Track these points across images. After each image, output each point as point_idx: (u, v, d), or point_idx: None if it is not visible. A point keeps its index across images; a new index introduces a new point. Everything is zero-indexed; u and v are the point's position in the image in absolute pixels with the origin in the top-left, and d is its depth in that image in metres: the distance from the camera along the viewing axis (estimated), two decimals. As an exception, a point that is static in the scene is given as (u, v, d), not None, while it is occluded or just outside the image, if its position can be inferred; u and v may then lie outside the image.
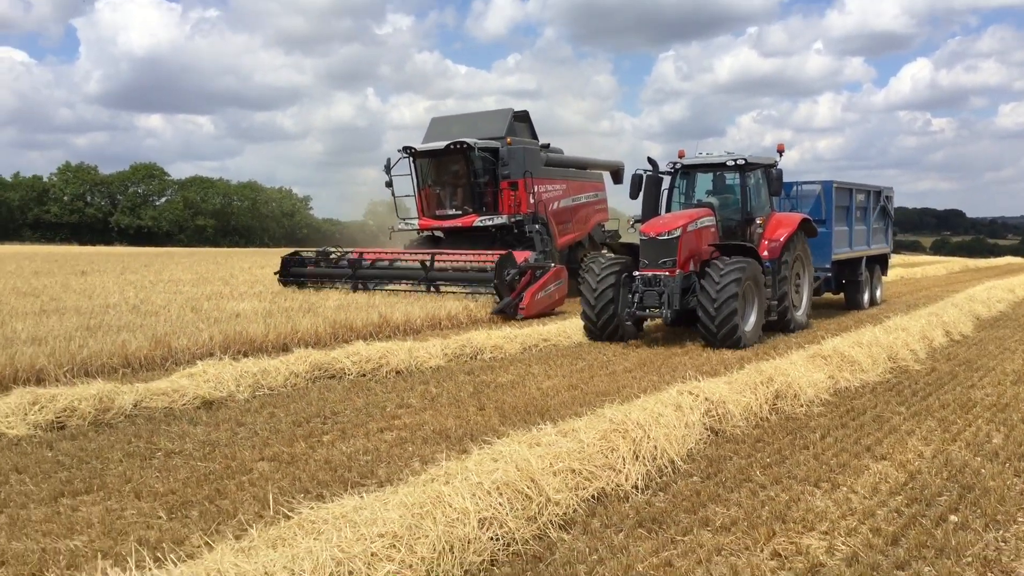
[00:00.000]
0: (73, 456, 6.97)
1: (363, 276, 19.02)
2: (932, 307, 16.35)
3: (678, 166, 14.93)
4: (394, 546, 4.33)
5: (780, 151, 15.30)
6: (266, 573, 3.74)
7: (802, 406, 8.60)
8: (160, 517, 5.56)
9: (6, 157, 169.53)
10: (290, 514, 4.97)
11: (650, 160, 15.05)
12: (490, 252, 17.70)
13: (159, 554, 4.64)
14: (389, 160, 20.69)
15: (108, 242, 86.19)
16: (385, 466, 6.70)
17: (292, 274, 20.25)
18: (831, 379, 9.57)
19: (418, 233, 21.42)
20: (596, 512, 5.65)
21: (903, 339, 11.82)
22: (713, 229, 13.92)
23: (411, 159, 20.64)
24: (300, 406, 8.93)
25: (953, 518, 5.58)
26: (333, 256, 20.29)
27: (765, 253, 14.11)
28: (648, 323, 14.71)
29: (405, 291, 17.95)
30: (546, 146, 22.32)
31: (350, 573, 4.04)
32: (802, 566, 4.82)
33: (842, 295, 19.35)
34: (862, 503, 5.87)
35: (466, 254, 18.23)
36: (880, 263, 20.64)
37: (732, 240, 14.05)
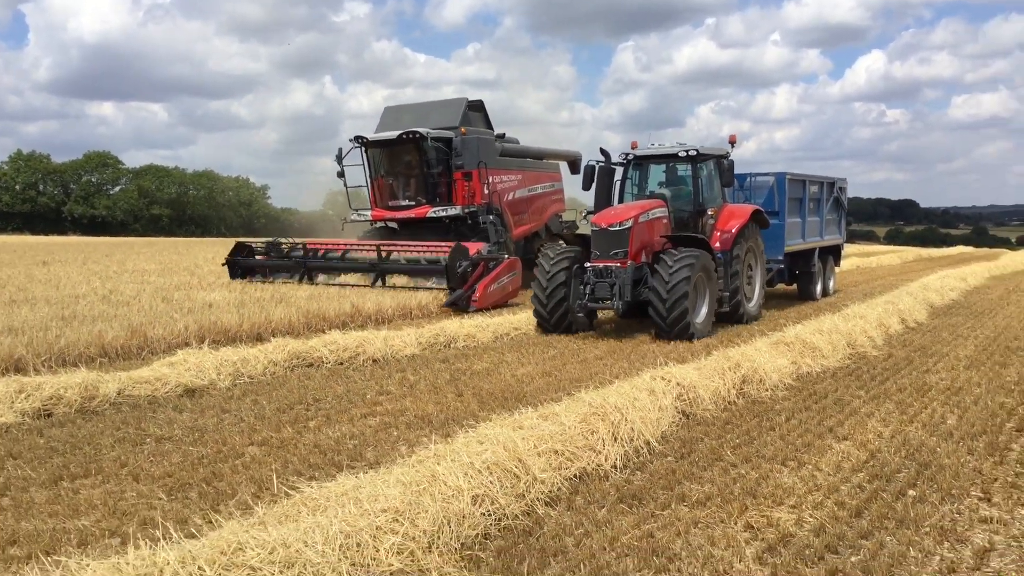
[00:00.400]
0: (65, 442, 7.12)
1: (313, 268, 18.64)
2: (888, 295, 16.93)
3: (630, 157, 14.93)
4: (397, 520, 4.59)
5: (732, 142, 15.30)
6: (284, 544, 3.98)
7: (767, 390, 9.01)
8: (160, 498, 5.77)
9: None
10: (291, 493, 5.21)
11: (602, 151, 15.07)
12: (442, 244, 17.41)
13: (165, 532, 4.85)
14: (341, 150, 20.40)
15: (62, 232, 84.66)
16: (372, 450, 6.95)
17: (240, 265, 19.81)
18: (794, 364, 10.01)
19: (371, 224, 21.03)
20: (579, 490, 5.97)
21: (861, 326, 12.32)
22: (665, 220, 13.87)
23: (363, 149, 20.28)
24: (282, 393, 9.13)
25: (912, 492, 5.98)
26: (284, 247, 19.87)
27: (717, 244, 14.16)
28: (600, 315, 14.56)
29: (353, 285, 17.49)
30: (501, 136, 22.09)
31: (358, 544, 4.30)
32: (774, 536, 5.17)
33: (795, 286, 19.41)
34: (827, 480, 6.26)
35: (418, 246, 17.90)
36: (833, 254, 20.69)
37: (685, 232, 14.01)
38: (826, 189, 19.82)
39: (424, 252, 17.56)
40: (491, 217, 19.59)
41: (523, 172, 22.32)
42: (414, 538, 4.53)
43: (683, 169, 14.88)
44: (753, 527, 5.33)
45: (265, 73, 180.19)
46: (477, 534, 5.02)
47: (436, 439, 6.91)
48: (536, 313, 13.59)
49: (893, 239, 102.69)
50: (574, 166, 25.85)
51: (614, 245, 12.91)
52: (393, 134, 19.60)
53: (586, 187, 14.93)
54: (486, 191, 19.90)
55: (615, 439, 6.65)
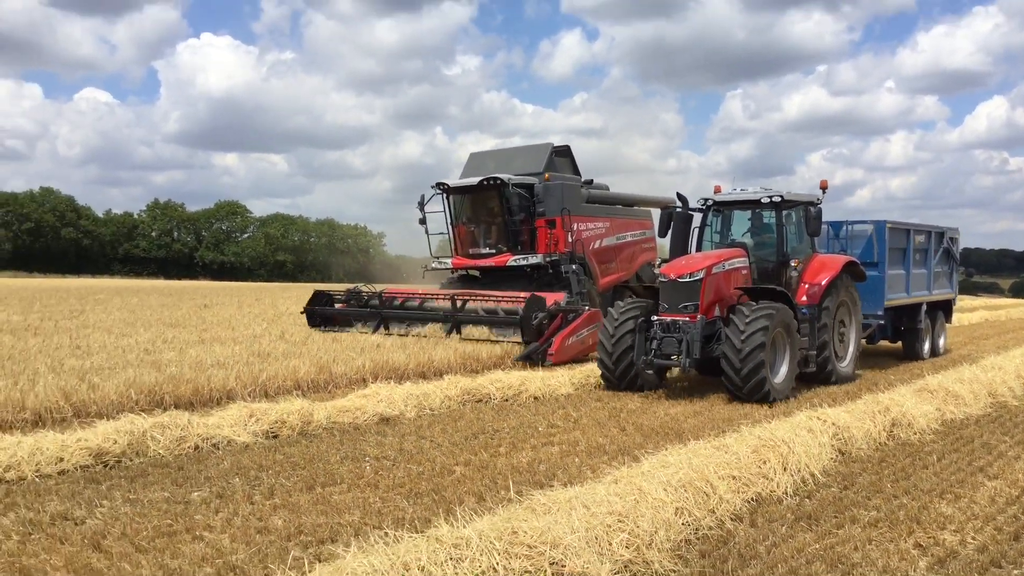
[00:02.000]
0: (300, 458, 8.37)
1: (388, 317, 18.23)
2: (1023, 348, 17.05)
3: (709, 203, 14.17)
4: (622, 522, 5.56)
5: (823, 188, 14.40)
6: (548, 529, 5.00)
7: (915, 434, 9.63)
8: (401, 503, 6.89)
9: (90, 193, 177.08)
10: (520, 499, 6.24)
11: (679, 196, 14.46)
12: (519, 294, 16.67)
13: (423, 527, 5.92)
14: (423, 196, 19.90)
15: (193, 276, 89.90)
16: (561, 472, 7.93)
17: (319, 314, 19.44)
18: (938, 411, 10.57)
19: (452, 272, 20.46)
20: (757, 511, 6.81)
21: (1000, 377, 12.72)
22: (745, 271, 13.07)
23: (444, 195, 19.77)
24: (463, 424, 10.25)
25: (1065, 523, 6.59)
26: (364, 294, 19.39)
27: (804, 298, 13.33)
28: (672, 372, 13.76)
29: (427, 336, 16.95)
30: (589, 182, 21.22)
31: (596, 538, 5.27)
32: (941, 552, 5.91)
33: (900, 344, 18.08)
34: (983, 510, 6.92)
35: (495, 295, 17.29)
36: (943, 310, 19.17)
37: (768, 284, 13.12)
38: (934, 239, 18.43)
39: (501, 302, 16.87)
40: (574, 266, 18.66)
41: (611, 219, 21.37)
42: (638, 536, 5.48)
43: (768, 216, 14.00)
44: (921, 546, 6.07)
45: (379, 124, 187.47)
46: (681, 539, 5.94)
47: (615, 465, 7.84)
48: (601, 366, 12.86)
49: (1019, 292, 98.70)
50: None
51: (684, 298, 12.17)
52: (474, 180, 19.19)
53: (662, 234, 14.44)
54: (570, 239, 19.17)
55: (784, 469, 7.47)
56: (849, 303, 14.22)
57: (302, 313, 19.97)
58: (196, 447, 8.60)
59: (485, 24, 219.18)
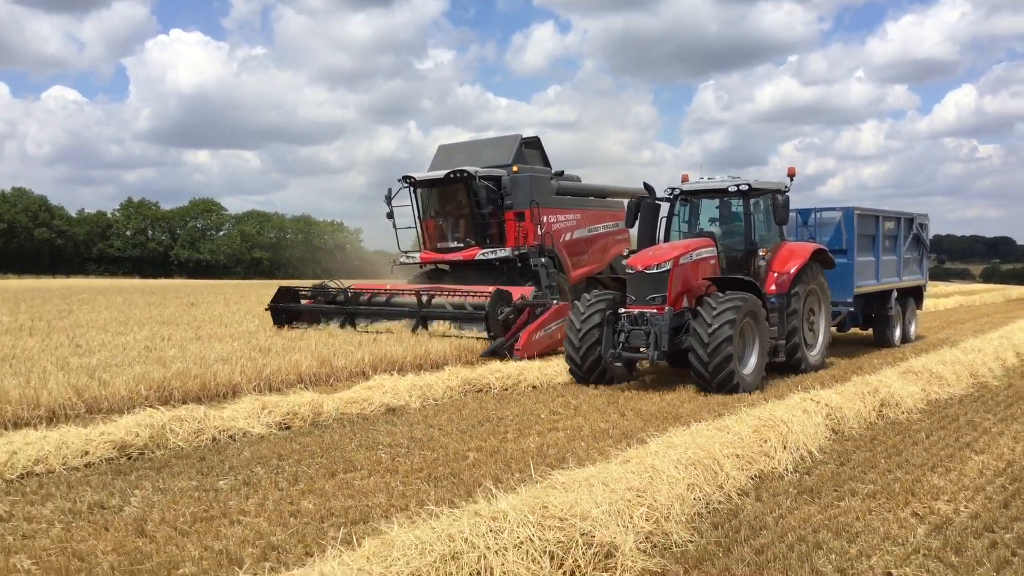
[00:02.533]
0: (316, 447, 8.64)
1: (354, 313, 17.84)
2: (1000, 331, 17.64)
3: (677, 192, 13.93)
4: (640, 497, 5.90)
5: (791, 175, 14.23)
6: (576, 502, 5.33)
7: (903, 413, 10.07)
8: (422, 486, 7.19)
9: (60, 192, 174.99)
10: (540, 479, 6.56)
11: (646, 185, 14.26)
12: (485, 289, 16.25)
13: (449, 506, 6.23)
14: (390, 190, 19.66)
15: (168, 275, 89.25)
16: (570, 455, 8.25)
17: (284, 311, 18.81)
18: (924, 391, 11.02)
19: (421, 267, 20.16)
20: (762, 486, 7.18)
21: (980, 359, 13.23)
22: (713, 261, 12.89)
23: (411, 188, 19.52)
24: (467, 412, 10.56)
25: (1049, 491, 7.03)
26: (331, 290, 18.83)
27: (772, 287, 13.14)
28: (642, 365, 13.26)
29: (392, 332, 16.50)
30: (559, 174, 20.81)
31: (618, 511, 5.60)
32: (937, 520, 6.31)
33: (871, 331, 17.99)
34: (972, 482, 7.34)
35: (461, 290, 16.90)
36: (914, 296, 19.08)
37: (737, 274, 13.00)
38: (903, 225, 18.26)
39: (468, 297, 16.54)
40: (543, 260, 18.46)
41: (583, 211, 21.21)
42: (656, 509, 5.83)
43: (736, 205, 13.84)
44: (918, 514, 6.47)
45: (353, 119, 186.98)
46: (694, 512, 6.29)
47: (622, 448, 8.19)
48: (569, 361, 12.69)
49: (989, 277, 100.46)
50: None
51: (651, 289, 12.00)
52: (440, 173, 18.95)
53: (629, 224, 14.47)
54: (539, 232, 18.98)
55: (784, 447, 7.85)
56: (818, 291, 14.10)
57: (266, 310, 19.27)
58: (214, 439, 8.85)
59: (457, 18, 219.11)
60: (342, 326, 17.66)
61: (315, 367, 12.70)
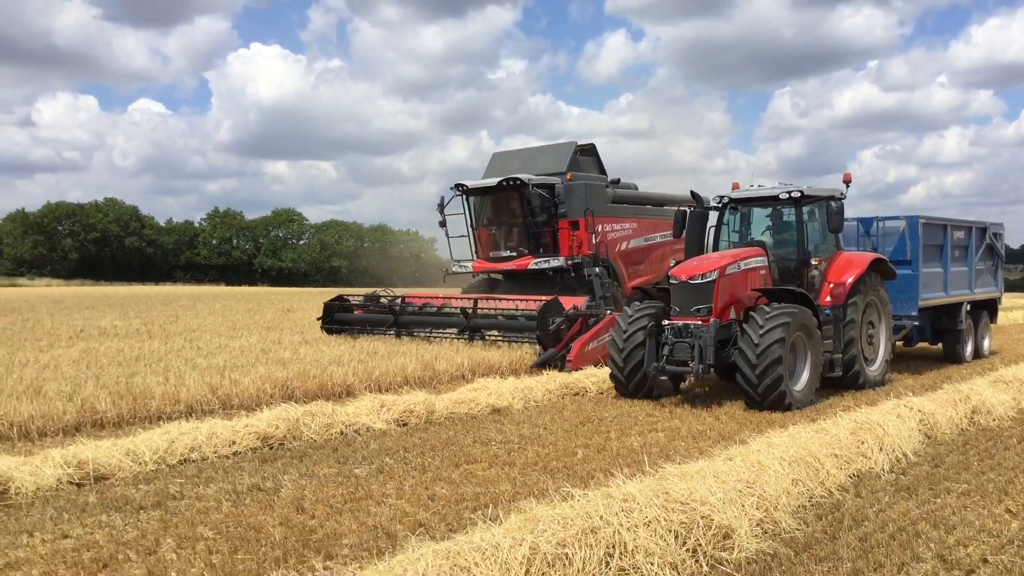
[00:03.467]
0: (436, 442, 9.37)
1: (405, 323, 17.85)
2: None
3: (725, 200, 13.53)
4: (750, 488, 6.44)
5: (847, 181, 13.68)
6: (693, 490, 5.92)
7: (994, 420, 10.35)
8: (541, 477, 7.84)
9: (145, 202, 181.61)
10: (652, 472, 7.14)
11: (693, 194, 13.92)
12: (538, 298, 16.03)
13: (559, 495, 6.86)
14: (443, 198, 19.48)
15: (252, 282, 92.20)
16: (673, 453, 8.81)
17: (336, 320, 19.08)
18: (1015, 400, 11.25)
19: (473, 276, 20.00)
20: (860, 484, 7.63)
21: (1072, 370, 13.29)
22: (763, 272, 12.46)
23: (464, 196, 19.33)
24: (568, 414, 11.18)
25: None
26: (383, 300, 18.95)
27: (828, 298, 12.69)
28: (686, 379, 12.84)
29: (449, 338, 16.81)
30: (616, 182, 20.66)
31: (730, 500, 6.16)
32: (1032, 517, 6.69)
33: (940, 345, 17.12)
34: (1066, 485, 7.67)
35: (513, 300, 16.77)
36: (988, 309, 18.06)
37: (790, 284, 12.58)
38: (975, 235, 17.36)
39: (521, 306, 16.32)
40: (597, 269, 17.99)
41: (639, 220, 20.78)
42: (766, 499, 6.36)
43: (788, 213, 13.25)
44: (1012, 512, 6.86)
45: (425, 130, 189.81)
46: (799, 504, 6.81)
47: (730, 445, 8.70)
48: (612, 376, 12.39)
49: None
50: None
51: (695, 300, 11.61)
52: (493, 181, 18.76)
53: (677, 234, 13.84)
54: (594, 241, 18.65)
55: (880, 449, 8.28)
56: (878, 303, 13.54)
57: (318, 320, 19.57)
58: (341, 432, 9.66)
59: (530, 27, 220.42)
60: (398, 336, 17.63)
61: (419, 370, 13.49)
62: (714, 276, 11.60)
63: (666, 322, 11.78)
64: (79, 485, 7.43)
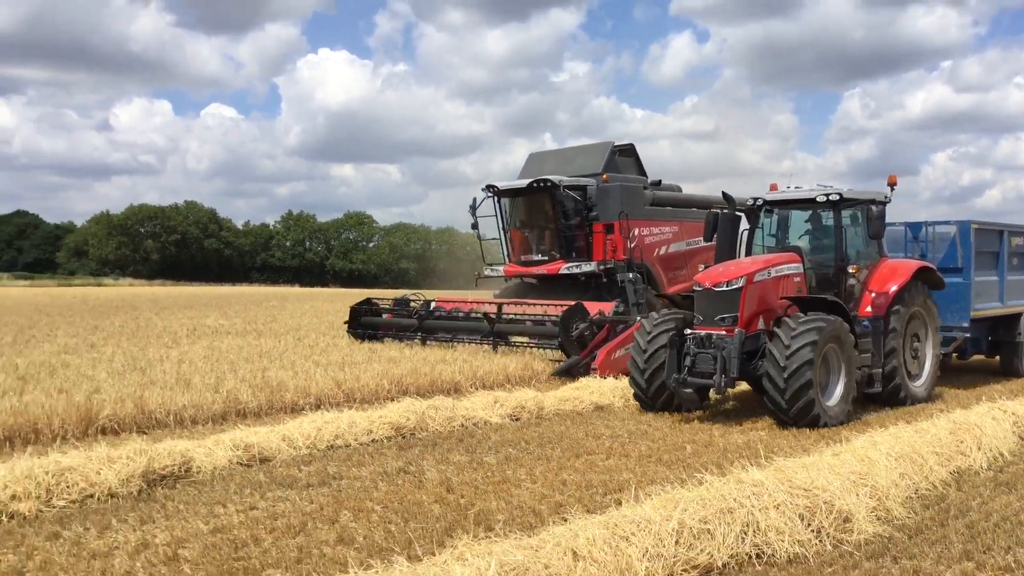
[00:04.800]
0: (550, 435, 10.12)
1: (430, 328, 17.43)
2: None
3: (759, 202, 12.87)
4: (863, 479, 7.04)
5: (891, 184, 12.89)
6: (814, 479, 6.55)
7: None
8: (658, 468, 8.52)
9: (217, 205, 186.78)
10: (767, 464, 7.77)
11: (725, 195, 13.41)
12: (563, 303, 15.68)
13: (680, 481, 7.52)
14: (475, 199, 18.91)
15: (324, 284, 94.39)
16: (777, 449, 9.33)
17: (363, 324, 18.76)
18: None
19: (506, 280, 19.45)
20: (961, 479, 8.15)
21: None
22: (797, 279, 11.76)
23: (495, 198, 18.77)
24: (667, 412, 11.80)
25: None
26: (413, 304, 18.65)
27: (868, 309, 12.07)
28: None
29: (470, 343, 16.45)
30: (657, 183, 19.79)
31: (846, 489, 6.76)
32: None
33: (998, 358, 16.25)
34: None
35: (541, 305, 16.38)
36: None
37: (828, 293, 11.90)
38: None
39: (550, 311, 15.85)
40: (630, 275, 16.91)
41: (680, 223, 19.59)
42: (878, 489, 6.96)
43: (827, 217, 12.54)
44: (1111, 506, 7.33)
45: (489, 133, 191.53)
46: (906, 496, 7.37)
47: (832, 443, 9.25)
48: (634, 387, 11.83)
49: None
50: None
51: (720, 309, 11.03)
52: (523, 182, 18.28)
53: (708, 238, 13.21)
54: (629, 245, 17.80)
55: (979, 448, 8.78)
56: (924, 314, 12.81)
57: (345, 323, 19.33)
58: (462, 424, 10.48)
59: (594, 30, 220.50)
60: (423, 343, 17.10)
61: (520, 369, 14.25)
62: (740, 283, 11.01)
63: (688, 331, 11.25)
64: (247, 465, 8.37)
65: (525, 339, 15.88)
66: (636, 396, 11.83)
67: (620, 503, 6.81)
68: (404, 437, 9.85)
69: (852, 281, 12.23)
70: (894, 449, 8.01)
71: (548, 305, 16.05)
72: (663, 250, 19.13)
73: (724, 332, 10.82)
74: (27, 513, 6.63)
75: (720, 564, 5.60)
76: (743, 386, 12.71)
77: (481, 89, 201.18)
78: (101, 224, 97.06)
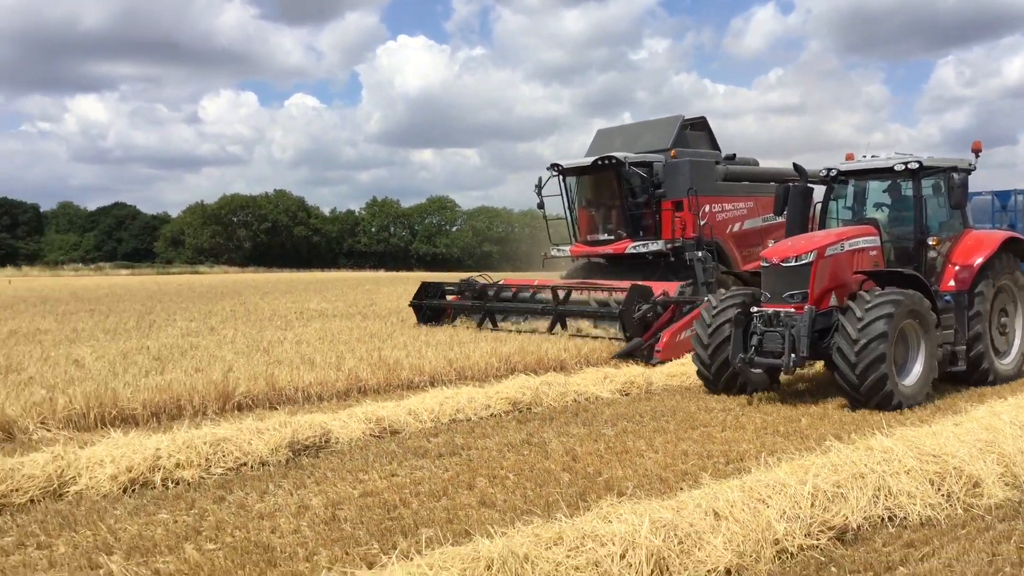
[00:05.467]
0: (663, 409, 10.33)
1: (493, 310, 17.18)
2: None
3: (833, 173, 12.24)
4: (989, 446, 7.05)
5: (976, 151, 12.22)
6: (942, 446, 6.66)
7: None
8: (776, 439, 8.66)
9: (301, 192, 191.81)
10: (890, 433, 7.85)
11: (796, 167, 12.89)
12: (622, 284, 15.28)
13: (807, 449, 7.66)
14: (540, 179, 18.49)
15: (408, 268, 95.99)
16: (894, 421, 9.31)
17: (428, 308, 18.52)
18: None
19: (572, 260, 19.21)
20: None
21: None
22: (874, 253, 11.20)
23: (560, 177, 18.38)
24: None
25: None
26: (478, 285, 18.17)
27: (951, 283, 11.52)
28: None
29: (529, 331, 15.98)
30: (731, 157, 19.12)
31: (973, 456, 6.81)
32: None
33: None
34: None
35: (605, 286, 16.07)
36: None
37: (909, 267, 11.32)
38: None
39: (614, 293, 15.43)
40: (699, 253, 16.32)
41: (756, 199, 18.80)
42: (1005, 456, 6.96)
43: (907, 187, 11.84)
44: None
45: (567, 114, 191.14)
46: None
47: (937, 418, 9.24)
48: (696, 363, 11.44)
49: None
50: None
51: (789, 285, 10.54)
52: (588, 160, 17.80)
53: (778, 212, 12.57)
54: (700, 222, 17.16)
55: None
56: (1012, 287, 12.21)
57: (410, 306, 19.11)
58: (575, 399, 10.79)
59: (673, 6, 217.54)
60: (481, 325, 17.06)
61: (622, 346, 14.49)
62: (810, 258, 10.47)
63: (755, 309, 10.76)
64: (379, 437, 8.85)
65: (586, 323, 15.52)
66: (699, 373, 11.42)
67: (744, 471, 7.03)
68: (520, 411, 10.21)
69: (933, 254, 11.62)
70: (1017, 418, 7.99)
71: (605, 289, 15.68)
72: (737, 227, 18.50)
73: (793, 309, 10.38)
74: (190, 480, 7.21)
75: (855, 526, 5.78)
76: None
77: (558, 70, 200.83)
78: (196, 214, 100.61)
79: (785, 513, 5.49)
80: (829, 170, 12.26)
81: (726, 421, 9.60)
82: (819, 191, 12.86)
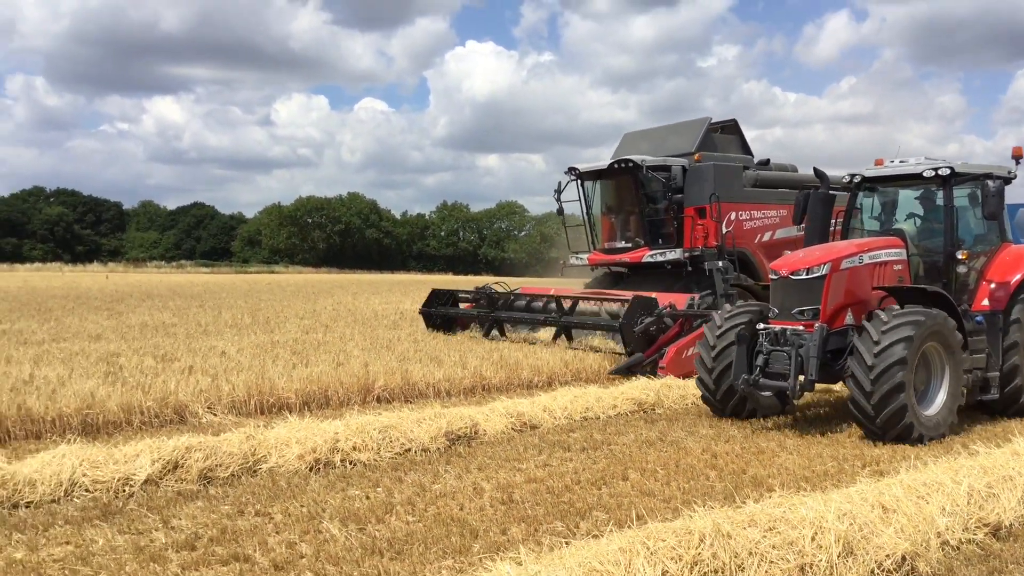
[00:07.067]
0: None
1: (501, 320, 16.58)
2: None
3: (857, 179, 11.18)
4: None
5: (1016, 157, 11.00)
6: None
7: None
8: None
9: (369, 195, 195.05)
10: (1008, 442, 8.16)
11: (817, 172, 12.03)
12: (624, 295, 14.77)
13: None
14: (560, 183, 17.68)
15: (477, 272, 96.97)
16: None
17: (437, 315, 18.01)
18: None
19: (592, 269, 18.43)
20: None
21: None
22: (899, 267, 10.21)
23: (578, 181, 17.59)
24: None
25: None
26: (494, 293, 17.44)
27: (985, 302, 10.49)
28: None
29: (533, 341, 15.62)
30: (764, 163, 18.10)
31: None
32: None
33: None
34: None
35: (614, 296, 15.40)
36: None
37: (938, 283, 10.28)
38: None
39: (625, 304, 14.14)
40: (720, 263, 15.56)
41: (790, 208, 17.77)
42: None
43: (939, 196, 10.73)
44: None
45: (633, 120, 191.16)
46: None
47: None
48: (700, 388, 10.55)
49: None
50: None
51: (799, 300, 9.60)
52: (604, 163, 17.05)
53: (797, 220, 11.84)
54: (724, 230, 16.31)
55: None
56: None
57: (420, 313, 18.63)
58: (693, 402, 11.24)
59: (745, 12, 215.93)
60: (486, 335, 16.55)
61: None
62: (824, 270, 9.52)
63: (761, 326, 9.90)
64: (520, 431, 9.43)
65: (599, 335, 14.93)
66: (704, 398, 10.56)
67: (882, 474, 7.44)
68: (645, 411, 10.72)
69: (964, 269, 10.51)
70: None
71: (616, 300, 14.99)
72: (766, 236, 17.29)
73: (802, 327, 9.42)
74: (366, 461, 7.88)
75: (1007, 524, 6.17)
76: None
77: (626, 76, 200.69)
78: (272, 215, 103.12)
79: (945, 509, 5.90)
80: (852, 176, 11.25)
81: (855, 427, 9.89)
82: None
